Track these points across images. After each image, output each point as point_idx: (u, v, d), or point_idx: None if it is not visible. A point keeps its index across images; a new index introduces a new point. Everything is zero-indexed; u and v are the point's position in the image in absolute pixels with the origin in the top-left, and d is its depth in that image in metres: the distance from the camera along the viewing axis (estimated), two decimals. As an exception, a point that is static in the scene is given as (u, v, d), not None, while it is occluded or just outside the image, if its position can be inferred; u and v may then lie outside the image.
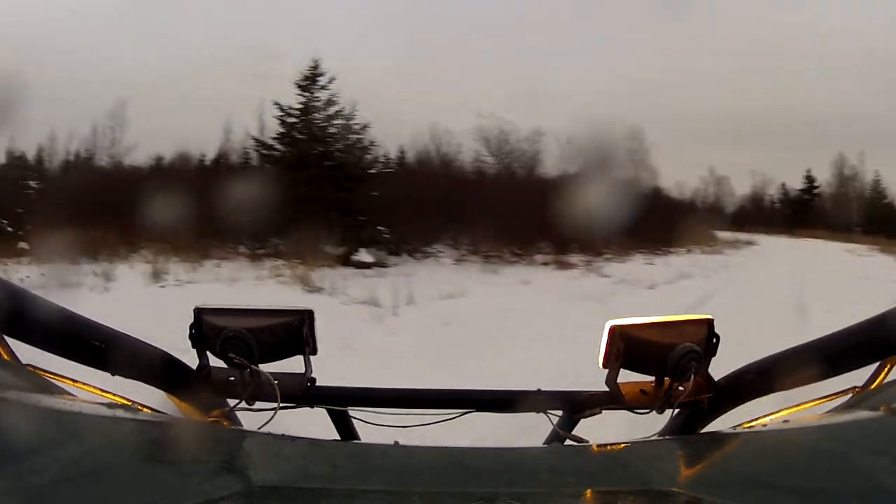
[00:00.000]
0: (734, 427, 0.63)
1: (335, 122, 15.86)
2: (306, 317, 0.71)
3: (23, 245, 15.07)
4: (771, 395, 0.71)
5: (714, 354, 0.70)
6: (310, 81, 15.76)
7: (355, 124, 15.98)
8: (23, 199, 16.47)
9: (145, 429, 0.55)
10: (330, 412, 0.75)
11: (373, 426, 0.74)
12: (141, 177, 17.77)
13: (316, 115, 15.80)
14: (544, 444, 0.71)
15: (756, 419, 0.66)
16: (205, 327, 0.69)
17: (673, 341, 0.67)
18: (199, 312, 0.70)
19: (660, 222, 18.45)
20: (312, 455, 0.49)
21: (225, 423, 0.67)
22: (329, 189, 14.53)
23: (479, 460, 0.48)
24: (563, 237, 13.94)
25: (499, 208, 14.91)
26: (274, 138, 16.13)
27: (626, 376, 0.70)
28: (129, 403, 0.61)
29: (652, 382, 0.71)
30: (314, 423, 0.73)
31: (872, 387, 0.66)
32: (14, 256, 14.63)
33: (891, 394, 0.63)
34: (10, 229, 15.73)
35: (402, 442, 0.55)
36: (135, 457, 0.47)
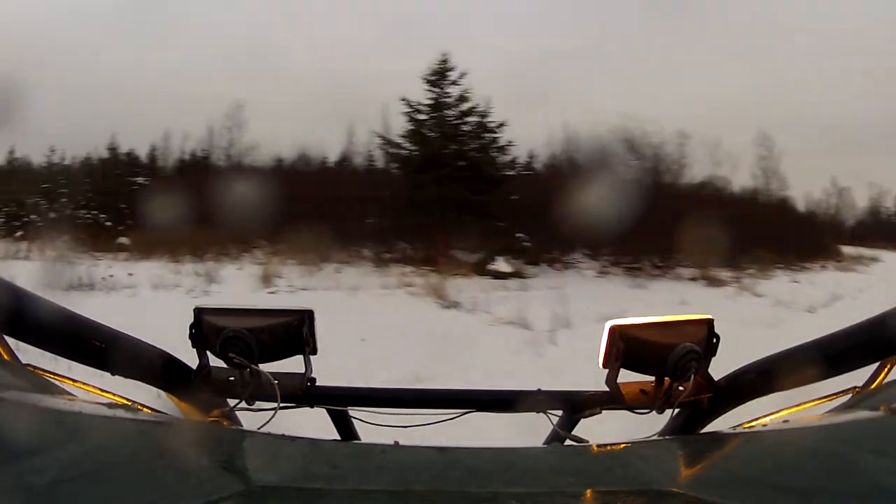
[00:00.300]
0: (734, 427, 0.63)
1: (468, 119, 14.54)
2: (306, 317, 0.71)
3: (122, 241, 14.95)
4: (771, 395, 0.71)
5: (714, 354, 0.70)
6: (439, 76, 14.59)
7: (490, 122, 14.59)
8: (127, 196, 16.33)
9: (145, 429, 0.55)
10: (330, 412, 0.75)
11: (373, 426, 0.74)
12: (257, 177, 17.36)
13: (447, 111, 14.58)
14: (544, 444, 0.72)
15: (756, 419, 0.66)
16: (205, 327, 0.69)
17: (673, 341, 0.67)
18: (199, 312, 0.70)
19: (793, 236, 17.48)
20: (312, 455, 0.49)
21: (225, 423, 0.67)
22: (462, 191, 13.36)
23: (479, 460, 0.48)
24: (703, 248, 12.24)
25: (640, 216, 12.96)
26: (402, 136, 15.02)
27: (626, 376, 0.70)
28: (129, 403, 0.61)
29: (652, 382, 0.71)
30: (314, 424, 0.73)
31: (872, 387, 0.66)
32: (111, 251, 14.39)
33: (891, 394, 0.63)
34: (108, 224, 15.64)
35: (402, 442, 0.55)
36: (135, 457, 0.47)
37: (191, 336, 0.70)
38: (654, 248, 13.83)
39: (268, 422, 0.66)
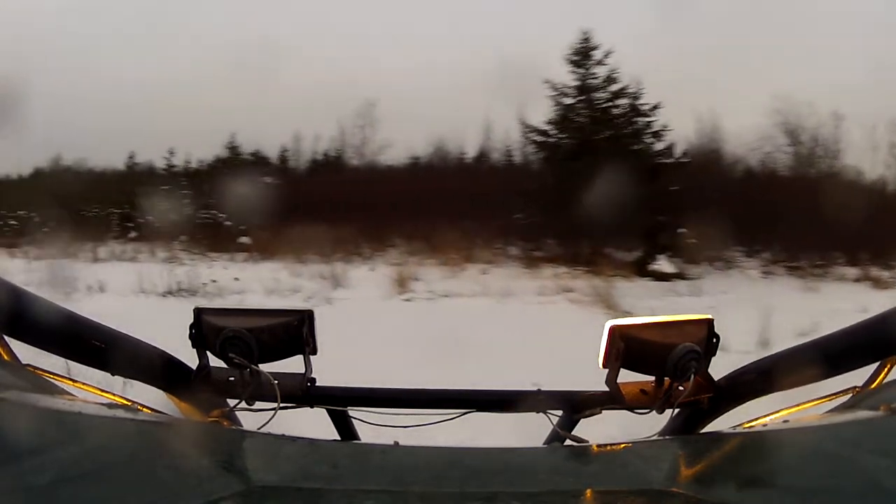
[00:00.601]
0: (734, 427, 0.63)
1: (618, 102, 12.81)
2: (306, 317, 0.71)
3: (243, 240, 14.48)
4: (771, 395, 0.71)
5: (714, 354, 0.70)
6: (582, 57, 12.90)
7: (642, 105, 12.73)
8: (265, 196, 15.71)
9: (145, 429, 0.55)
10: (330, 412, 0.75)
11: (373, 426, 0.74)
12: (391, 175, 16.54)
13: (595, 94, 12.87)
14: (544, 444, 0.71)
15: (756, 419, 0.66)
16: (205, 327, 0.69)
17: (673, 341, 0.67)
18: (198, 312, 0.70)
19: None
20: (312, 455, 0.49)
21: (225, 423, 0.67)
22: (618, 181, 10.88)
23: (479, 460, 0.48)
24: (862, 245, 11.55)
25: (800, 210, 11.74)
26: (549, 123, 13.18)
27: (626, 376, 0.70)
28: (129, 403, 0.61)
29: (652, 382, 0.71)
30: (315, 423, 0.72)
31: (872, 387, 0.66)
32: (231, 251, 13.83)
33: (891, 394, 0.63)
34: (228, 223, 15.17)
35: (402, 442, 0.55)
36: (135, 457, 0.47)
37: (191, 336, 0.70)
38: (811, 245, 12.31)
39: (268, 422, 0.66)
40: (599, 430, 0.69)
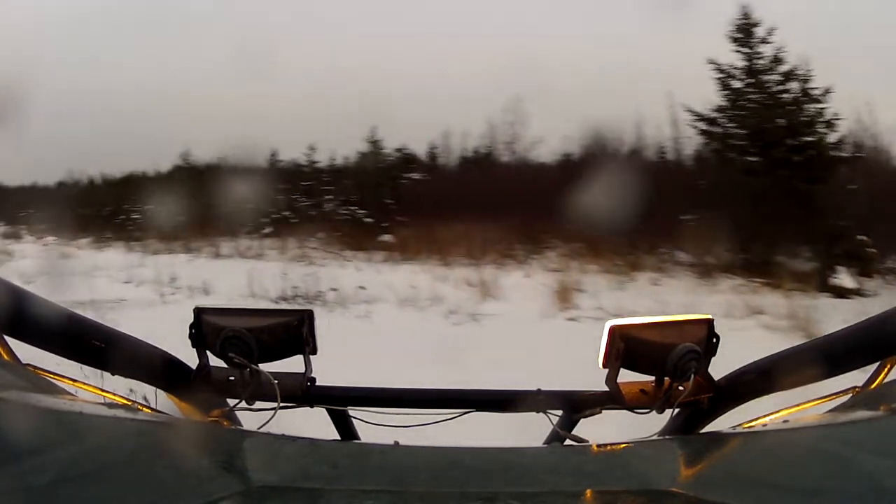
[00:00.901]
0: (734, 427, 0.63)
1: (788, 86, 10.91)
2: (306, 317, 0.71)
3: (385, 238, 13.89)
4: (771, 395, 0.71)
5: (714, 354, 0.70)
6: (745, 34, 11.07)
7: (812, 89, 10.80)
8: (394, 192, 15.33)
9: (145, 429, 0.55)
10: (330, 412, 0.75)
11: (373, 426, 0.74)
12: (543, 171, 15.17)
13: (764, 76, 11.01)
14: (544, 444, 0.71)
15: (756, 419, 0.66)
16: (204, 327, 0.69)
17: (673, 341, 0.67)
18: (198, 312, 0.70)
19: None
20: (312, 455, 0.49)
21: (225, 423, 0.67)
22: (794, 179, 9.93)
23: (479, 460, 0.48)
24: None
25: None
26: (717, 110, 11.35)
27: (626, 376, 0.70)
28: (129, 403, 0.61)
29: (652, 382, 0.71)
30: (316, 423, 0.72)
31: (872, 387, 0.66)
32: (370, 250, 13.12)
33: (891, 394, 0.63)
34: (369, 220, 14.59)
35: (402, 442, 0.55)
36: (135, 457, 0.47)
37: (190, 336, 0.70)
38: None
39: (268, 422, 0.66)
40: (599, 430, 0.69)
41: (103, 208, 19.99)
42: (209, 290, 8.96)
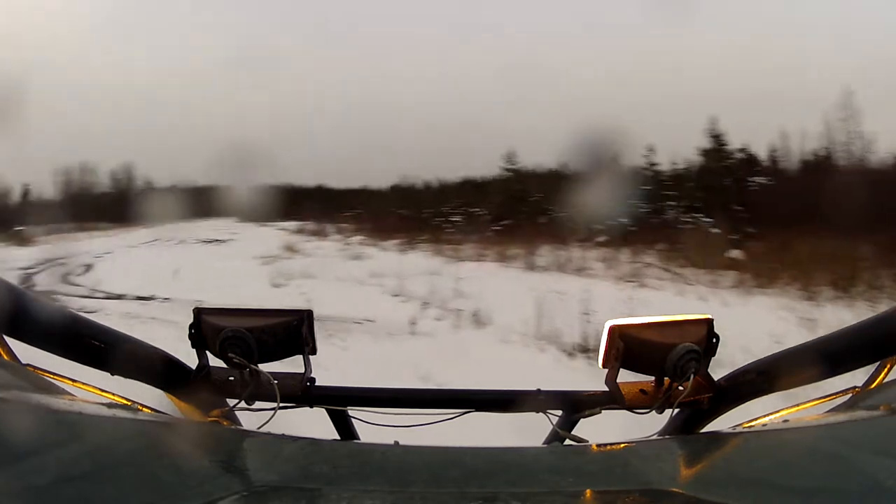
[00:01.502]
0: (734, 427, 0.63)
1: None
2: (305, 317, 0.71)
3: (733, 255, 11.35)
4: (771, 395, 0.71)
5: (714, 354, 0.70)
6: None
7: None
8: (744, 200, 13.65)
9: (145, 429, 0.55)
10: (330, 412, 0.75)
11: (373, 426, 0.74)
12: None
13: None
14: (544, 444, 0.71)
15: (756, 419, 0.66)
16: (204, 327, 0.69)
17: (673, 341, 0.67)
18: (198, 312, 0.70)
19: None
20: (312, 455, 0.49)
21: (225, 423, 0.67)
22: None
23: (479, 460, 0.48)
24: None
25: None
26: None
27: (626, 376, 0.70)
28: (129, 403, 0.61)
29: (652, 382, 0.71)
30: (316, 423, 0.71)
31: (872, 387, 0.66)
32: (715, 268, 10.52)
33: (891, 394, 0.63)
34: (714, 230, 12.53)
35: (402, 442, 0.55)
36: (135, 457, 0.47)
37: (190, 336, 0.70)
38: None
39: (267, 422, 0.66)
40: (599, 430, 0.69)
41: (423, 210, 19.97)
42: (484, 320, 6.87)
